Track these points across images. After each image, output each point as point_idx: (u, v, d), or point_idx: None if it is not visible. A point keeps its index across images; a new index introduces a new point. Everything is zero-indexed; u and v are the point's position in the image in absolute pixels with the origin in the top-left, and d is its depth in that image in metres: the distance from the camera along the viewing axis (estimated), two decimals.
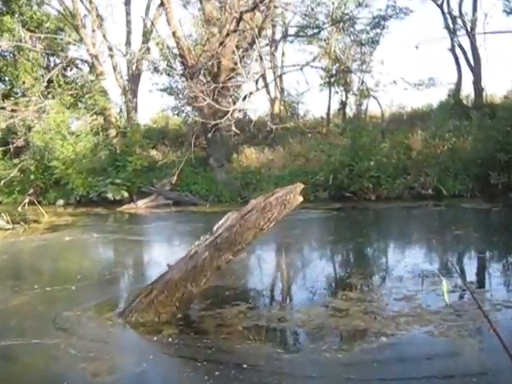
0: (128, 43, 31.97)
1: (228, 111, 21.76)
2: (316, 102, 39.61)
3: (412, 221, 17.08)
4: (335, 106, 32.78)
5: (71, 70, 32.77)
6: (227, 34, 21.06)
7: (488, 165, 21.25)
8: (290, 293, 8.89)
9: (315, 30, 26.07)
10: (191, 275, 7.06)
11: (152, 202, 22.61)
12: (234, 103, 20.15)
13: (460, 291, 7.84)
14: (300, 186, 7.41)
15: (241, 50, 21.70)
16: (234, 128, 20.85)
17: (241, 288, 8.81)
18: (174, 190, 23.69)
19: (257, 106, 44.60)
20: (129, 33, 32.33)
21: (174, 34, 23.30)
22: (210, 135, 24.17)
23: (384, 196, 21.24)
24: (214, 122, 19.75)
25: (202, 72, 22.51)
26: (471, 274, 9.64)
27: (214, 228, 7.26)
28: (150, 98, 48.75)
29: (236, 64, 21.25)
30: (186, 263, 7.14)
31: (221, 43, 21.45)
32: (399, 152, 22.67)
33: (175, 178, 23.15)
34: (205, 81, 22.77)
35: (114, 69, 30.51)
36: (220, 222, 7.27)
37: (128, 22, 32.34)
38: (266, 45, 28.80)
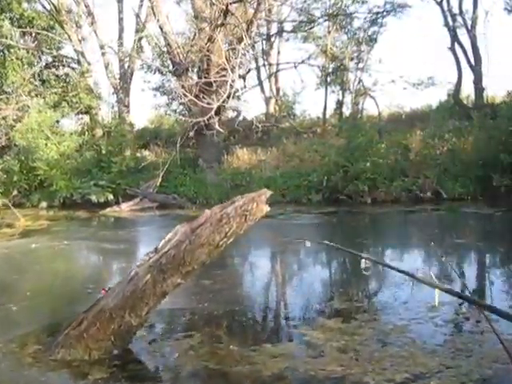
0: (120, 41, 30.51)
1: (217, 109, 20.29)
2: (313, 102, 37.75)
3: (409, 227, 15.56)
4: (332, 106, 31.28)
5: (63, 68, 31.30)
6: (214, 28, 19.55)
7: (490, 166, 19.82)
8: (259, 320, 7.33)
9: (310, 25, 24.37)
10: (130, 303, 5.59)
11: (137, 205, 21.15)
12: (224, 101, 18.68)
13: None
14: (265, 194, 5.88)
15: (230, 45, 20.11)
16: (217, 126, 19.28)
17: (201, 312, 7.26)
18: (161, 192, 22.22)
19: (252, 106, 43.24)
20: (121, 30, 30.85)
21: (161, 29, 21.83)
22: (199, 135, 22.65)
23: (381, 199, 19.76)
24: (195, 121, 18.19)
25: (190, 69, 21.04)
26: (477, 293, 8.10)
27: (160, 244, 5.77)
28: (143, 98, 47.07)
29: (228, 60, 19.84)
30: (124, 288, 5.66)
31: (209, 38, 19.95)
32: (397, 153, 21.16)
33: (159, 179, 21.67)
34: (196, 78, 21.37)
35: (106, 67, 29.09)
36: (167, 237, 5.78)
37: (120, 20, 30.86)
38: (257, 41, 27.19)
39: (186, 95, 17.52)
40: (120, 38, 30.49)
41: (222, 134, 23.28)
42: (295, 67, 25.62)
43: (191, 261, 5.62)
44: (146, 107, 44.78)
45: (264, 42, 30.73)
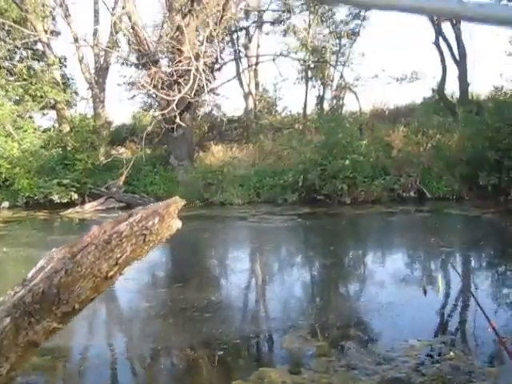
0: (95, 34, 28.62)
1: (187, 103, 18.57)
2: (295, 98, 35.89)
3: (390, 233, 13.77)
4: (313, 101, 29.53)
5: (39, 61, 29.29)
6: (184, 16, 17.78)
7: (476, 164, 18.33)
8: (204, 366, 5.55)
9: (288, 15, 22.58)
10: None
11: (101, 206, 19.31)
12: (189, 93, 16.89)
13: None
14: (176, 204, 4.04)
15: (201, 36, 18.34)
16: (178, 120, 17.52)
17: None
18: (130, 192, 20.42)
19: (231, 101, 41.47)
20: (96, 23, 28.95)
21: (129, 18, 19.96)
22: (170, 131, 20.90)
23: (360, 199, 18.09)
24: (156, 114, 16.43)
25: (160, 60, 19.26)
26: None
27: (29, 274, 3.98)
28: (123, 93, 45.08)
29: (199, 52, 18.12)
30: None
31: (177, 28, 18.15)
32: (378, 150, 19.46)
33: (123, 178, 19.85)
34: (167, 71, 19.60)
35: (80, 61, 27.22)
36: (38, 265, 3.98)
37: (96, 12, 28.96)
38: (234, 33, 25.36)
39: (144, 86, 15.69)
40: (95, 30, 28.70)
41: (192, 129, 21.62)
42: (273, 60, 23.82)
43: (69, 298, 3.83)
44: (125, 103, 42.82)
45: (243, 35, 28.98)
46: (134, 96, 26.35)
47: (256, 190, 19.45)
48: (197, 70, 14.95)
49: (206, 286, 8.19)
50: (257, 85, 29.37)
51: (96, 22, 28.74)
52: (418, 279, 8.33)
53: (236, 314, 7.06)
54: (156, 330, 6.39)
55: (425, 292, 6.19)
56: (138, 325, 6.75)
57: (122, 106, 48.58)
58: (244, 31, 28.81)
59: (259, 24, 27.58)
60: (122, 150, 27.40)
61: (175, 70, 17.01)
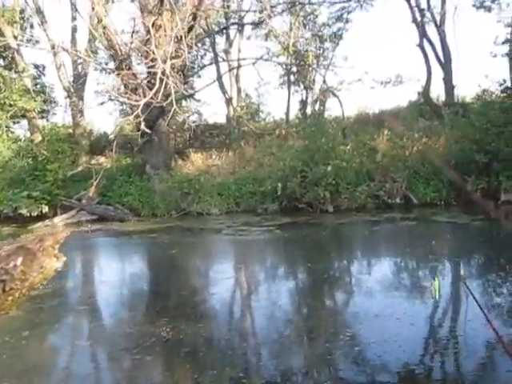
0: (73, 41, 27.39)
1: (163, 109, 17.33)
2: (278, 103, 34.73)
3: (373, 245, 12.34)
4: (296, 106, 28.37)
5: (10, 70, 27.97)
6: (156, 18, 16.56)
7: (464, 168, 17.15)
8: None
9: (268, 16, 21.32)
10: None
11: (72, 218, 17.99)
12: (167, 98, 15.64)
13: None
14: (56, 238, 2.80)
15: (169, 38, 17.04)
16: (142, 126, 16.29)
17: None
18: (105, 203, 19.13)
19: (213, 108, 40.21)
20: (74, 30, 27.70)
21: (99, 20, 18.67)
22: (145, 138, 19.68)
23: (344, 207, 16.90)
24: (122, 120, 15.21)
25: (129, 63, 18.04)
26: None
27: None
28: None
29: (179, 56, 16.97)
30: None
31: (148, 31, 16.91)
32: (362, 155, 18.29)
33: (93, 189, 18.57)
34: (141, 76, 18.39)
35: (58, 69, 26.01)
36: None
37: (73, 18, 27.69)
38: (210, 35, 24.14)
39: (108, 92, 14.45)
40: (73, 37, 27.50)
41: (169, 136, 20.39)
42: (253, 64, 22.58)
43: None
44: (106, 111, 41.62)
45: (224, 40, 27.78)
46: (103, 103, 25.20)
47: (235, 199, 18.24)
48: (163, 73, 13.66)
49: (156, 319, 6.91)
50: (239, 90, 28.16)
51: (74, 29, 27.59)
52: (404, 301, 7.16)
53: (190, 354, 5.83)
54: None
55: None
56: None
57: (105, 114, 47.25)
58: (224, 36, 27.67)
59: (239, 27, 26.29)
60: (102, 159, 26.05)
61: (147, 74, 15.73)
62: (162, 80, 13.63)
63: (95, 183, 18.29)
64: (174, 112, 22.44)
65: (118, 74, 17.87)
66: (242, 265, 10.75)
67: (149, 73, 17.14)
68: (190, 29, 17.42)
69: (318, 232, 13.74)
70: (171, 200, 18.35)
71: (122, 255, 12.93)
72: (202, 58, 27.94)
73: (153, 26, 16.50)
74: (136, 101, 16.42)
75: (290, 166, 17.18)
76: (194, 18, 17.25)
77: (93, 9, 18.15)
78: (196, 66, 26.04)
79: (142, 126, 16.34)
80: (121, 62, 17.99)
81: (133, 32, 19.02)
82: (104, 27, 18.46)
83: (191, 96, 24.03)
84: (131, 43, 18.31)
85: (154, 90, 13.77)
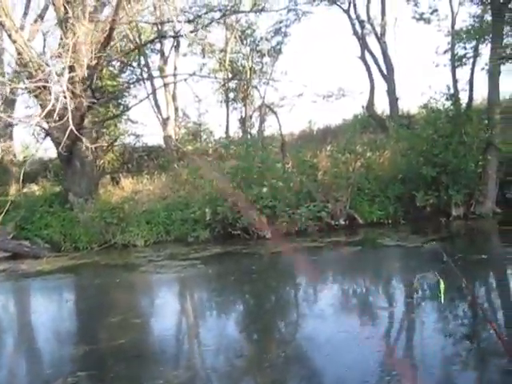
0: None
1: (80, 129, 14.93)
2: (219, 121, 32.44)
3: (307, 284, 9.89)
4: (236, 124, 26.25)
5: None
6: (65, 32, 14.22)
7: (411, 182, 15.28)
8: None
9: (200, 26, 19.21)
10: None
11: None
12: (82, 120, 13.33)
13: None
14: None
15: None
16: (61, 150, 13.88)
17: None
18: (22, 237, 16.50)
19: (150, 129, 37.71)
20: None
21: (9, 36, 16.16)
22: (67, 164, 17.26)
23: (283, 231, 14.71)
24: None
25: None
26: None
27: None
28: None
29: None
30: None
31: (63, 44, 14.53)
32: (302, 173, 16.20)
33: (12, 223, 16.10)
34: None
35: None
36: None
37: None
38: (134, 49, 21.83)
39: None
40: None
41: (93, 161, 17.94)
42: (185, 80, 20.40)
43: None
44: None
45: (159, 57, 25.49)
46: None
47: (165, 227, 15.90)
48: (64, 89, 11.34)
49: None
50: (176, 110, 25.86)
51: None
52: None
53: None
54: None
55: None
56: None
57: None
58: (159, 54, 25.40)
59: (174, 41, 24.05)
60: (34, 187, 23.45)
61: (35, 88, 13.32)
62: (57, 96, 11.24)
63: (1, 216, 15.68)
64: (99, 134, 20.25)
65: (29, 92, 15.46)
66: (145, 316, 8.39)
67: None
68: (106, 42, 15.13)
69: (250, 264, 11.40)
70: (96, 231, 15.92)
71: None
72: (137, 76, 25.62)
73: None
74: (48, 122, 14.15)
75: (218, 188, 14.98)
76: (111, 31, 14.94)
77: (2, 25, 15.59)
78: (129, 85, 23.65)
79: (60, 149, 13.95)
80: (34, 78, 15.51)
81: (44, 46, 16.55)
82: (14, 41, 15.99)
83: (118, 116, 21.63)
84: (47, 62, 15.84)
85: (47, 109, 11.37)
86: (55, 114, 11.54)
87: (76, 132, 12.25)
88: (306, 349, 6.14)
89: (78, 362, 6.22)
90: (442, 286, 3.26)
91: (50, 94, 11.85)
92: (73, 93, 13.23)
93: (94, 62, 13.42)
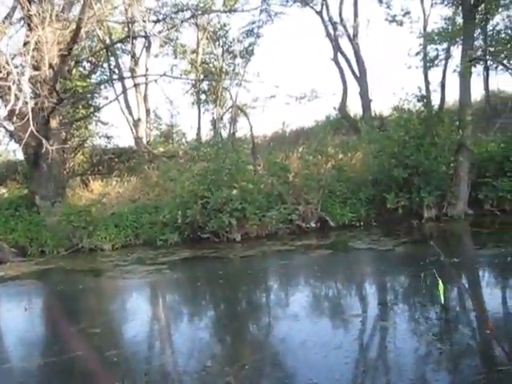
0: None
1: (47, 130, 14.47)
2: (191, 123, 32.00)
3: (275, 290, 9.60)
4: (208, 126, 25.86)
5: None
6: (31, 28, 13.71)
7: (383, 184, 15.07)
8: None
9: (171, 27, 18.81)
10: None
11: None
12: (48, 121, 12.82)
13: None
14: None
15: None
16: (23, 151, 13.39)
17: None
18: None
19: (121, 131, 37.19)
20: None
21: None
22: (33, 167, 16.73)
23: (253, 234, 14.43)
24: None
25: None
26: None
27: None
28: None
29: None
30: None
31: (25, 43, 14.03)
32: (273, 175, 15.88)
33: None
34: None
35: None
36: None
37: None
38: (103, 49, 21.33)
39: None
40: None
41: (61, 164, 17.43)
42: (155, 81, 19.96)
43: None
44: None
45: (129, 58, 24.97)
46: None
47: (134, 231, 15.46)
48: (20, 88, 10.86)
49: None
50: (148, 111, 25.38)
51: None
52: None
53: None
54: None
55: None
56: None
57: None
58: (130, 55, 24.89)
59: (146, 42, 23.62)
60: (3, 189, 22.79)
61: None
62: (16, 96, 10.75)
63: None
64: (68, 136, 19.73)
65: None
66: (102, 326, 7.97)
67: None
68: (73, 41, 14.66)
69: (215, 271, 10.98)
70: (63, 235, 15.42)
71: None
72: (107, 77, 25.06)
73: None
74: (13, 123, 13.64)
75: (187, 190, 14.59)
76: (78, 30, 14.46)
77: None
78: (99, 86, 23.09)
79: (23, 151, 13.44)
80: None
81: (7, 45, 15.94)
82: None
83: (87, 117, 21.11)
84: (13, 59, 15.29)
85: (7, 108, 10.89)
86: (15, 115, 11.05)
87: (36, 133, 11.75)
88: (273, 356, 5.81)
89: (31, 378, 5.81)
90: (441, 286, 3.26)
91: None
92: (36, 93, 12.75)
93: (58, 61, 12.91)
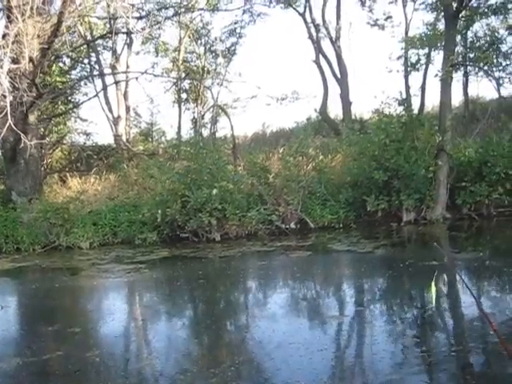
0: None
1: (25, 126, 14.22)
2: (172, 122, 31.74)
3: (251, 293, 9.48)
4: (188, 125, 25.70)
5: None
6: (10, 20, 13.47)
7: (363, 187, 15.08)
8: None
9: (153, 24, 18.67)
10: None
11: None
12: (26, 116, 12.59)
13: None
14: None
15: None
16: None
17: None
18: None
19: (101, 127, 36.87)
20: None
21: None
22: (10, 163, 16.44)
23: (233, 234, 14.34)
24: None
25: None
26: None
27: None
28: None
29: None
30: None
31: (4, 35, 13.78)
32: (254, 176, 15.81)
33: None
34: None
35: None
36: None
37: None
38: (84, 44, 21.10)
39: None
40: None
41: (39, 160, 17.19)
42: (137, 79, 19.78)
43: None
44: None
45: (110, 55, 24.72)
46: None
47: (112, 229, 15.26)
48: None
49: None
50: (128, 109, 25.13)
51: None
52: None
53: None
54: None
55: None
56: None
57: None
58: (111, 51, 24.64)
59: (127, 39, 23.38)
60: None
61: None
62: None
63: None
64: (47, 131, 19.46)
65: None
66: (79, 328, 7.82)
67: None
68: (53, 35, 14.42)
69: (194, 271, 10.87)
70: (40, 233, 15.16)
71: None
72: (88, 73, 24.77)
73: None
74: None
75: (167, 189, 14.47)
76: (59, 24, 14.24)
77: None
78: (79, 82, 22.84)
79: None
80: None
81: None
82: None
83: (66, 113, 20.85)
84: None
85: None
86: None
87: (14, 127, 11.53)
88: (250, 356, 5.74)
89: (8, 379, 5.65)
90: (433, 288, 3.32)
91: None
92: (15, 87, 12.53)
93: (38, 55, 12.70)
